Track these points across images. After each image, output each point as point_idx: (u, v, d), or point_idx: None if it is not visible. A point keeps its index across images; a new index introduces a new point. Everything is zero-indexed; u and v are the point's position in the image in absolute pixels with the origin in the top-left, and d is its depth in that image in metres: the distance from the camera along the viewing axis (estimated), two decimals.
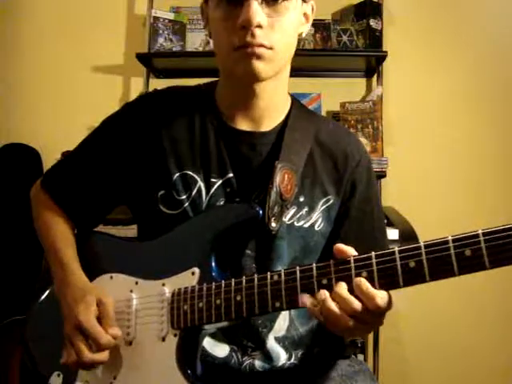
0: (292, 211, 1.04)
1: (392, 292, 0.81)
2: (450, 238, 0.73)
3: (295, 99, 1.16)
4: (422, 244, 0.75)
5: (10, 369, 2.19)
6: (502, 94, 2.66)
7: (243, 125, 1.07)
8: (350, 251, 0.83)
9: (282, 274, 0.86)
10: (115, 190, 1.13)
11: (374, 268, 0.78)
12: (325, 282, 0.82)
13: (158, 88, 1.19)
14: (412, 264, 0.75)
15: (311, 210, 1.06)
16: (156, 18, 2.64)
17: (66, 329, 0.98)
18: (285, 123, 1.09)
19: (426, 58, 2.69)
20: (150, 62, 2.67)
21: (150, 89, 2.68)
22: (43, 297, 1.16)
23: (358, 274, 0.79)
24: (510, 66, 2.66)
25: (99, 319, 0.96)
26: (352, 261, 0.80)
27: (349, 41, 2.59)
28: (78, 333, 0.95)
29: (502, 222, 0.72)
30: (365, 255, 0.80)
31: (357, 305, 0.79)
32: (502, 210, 2.52)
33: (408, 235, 2.04)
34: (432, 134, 2.66)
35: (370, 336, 2.45)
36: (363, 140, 2.46)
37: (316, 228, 1.06)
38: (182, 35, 2.67)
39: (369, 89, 2.74)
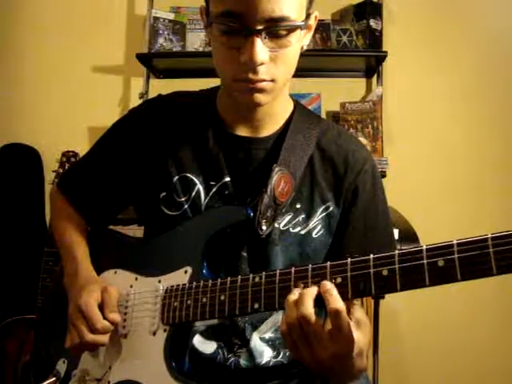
0: (288, 217, 1.04)
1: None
2: (424, 247, 0.72)
3: (298, 103, 1.15)
4: (396, 252, 0.75)
5: (9, 367, 2.21)
6: (501, 94, 2.65)
7: (242, 131, 1.08)
8: None
9: (263, 276, 0.87)
10: (124, 191, 1.17)
11: (348, 274, 0.78)
12: (301, 285, 0.82)
13: (157, 87, 1.21)
14: (385, 272, 0.74)
15: (309, 216, 1.05)
16: (156, 18, 2.65)
17: (69, 313, 1.02)
18: (285, 128, 1.09)
19: (425, 58, 2.68)
20: (150, 62, 2.67)
21: (150, 89, 2.69)
22: (55, 292, 1.22)
23: (333, 279, 0.79)
24: (509, 67, 2.65)
25: (101, 306, 1.00)
26: (328, 266, 0.81)
27: (348, 41, 2.59)
28: (79, 315, 0.98)
29: (501, 220, 0.71)
30: (341, 261, 0.80)
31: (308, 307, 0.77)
32: (501, 209, 2.50)
33: (408, 235, 2.04)
34: (432, 133, 2.65)
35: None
36: (363, 140, 2.46)
37: (314, 235, 1.05)
38: (182, 35, 2.68)
39: (369, 89, 2.74)
